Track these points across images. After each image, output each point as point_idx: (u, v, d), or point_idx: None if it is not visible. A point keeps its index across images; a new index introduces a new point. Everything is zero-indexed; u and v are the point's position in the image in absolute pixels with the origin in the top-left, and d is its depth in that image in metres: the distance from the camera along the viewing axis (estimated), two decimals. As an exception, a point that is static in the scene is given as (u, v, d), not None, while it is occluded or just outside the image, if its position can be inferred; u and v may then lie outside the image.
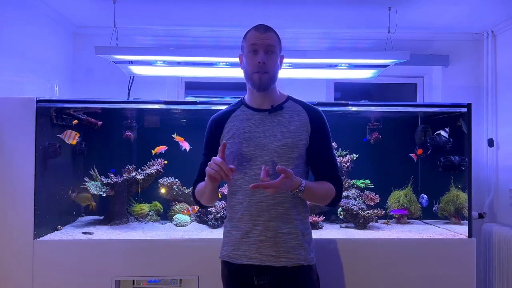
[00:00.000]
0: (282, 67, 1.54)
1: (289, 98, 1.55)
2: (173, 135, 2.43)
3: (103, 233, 2.15)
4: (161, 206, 2.49)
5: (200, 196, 1.52)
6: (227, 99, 3.22)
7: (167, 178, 2.46)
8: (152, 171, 2.41)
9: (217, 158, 1.32)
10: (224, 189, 2.01)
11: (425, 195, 2.50)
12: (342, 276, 2.02)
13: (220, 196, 2.27)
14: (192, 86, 3.28)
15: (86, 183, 2.31)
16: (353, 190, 2.50)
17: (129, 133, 2.52)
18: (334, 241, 2.05)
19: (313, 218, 2.27)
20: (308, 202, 1.53)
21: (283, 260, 1.40)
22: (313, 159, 1.49)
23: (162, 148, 2.47)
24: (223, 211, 2.29)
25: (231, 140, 1.47)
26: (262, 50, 1.42)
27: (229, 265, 1.46)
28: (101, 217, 2.42)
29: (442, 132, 2.39)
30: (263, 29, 1.45)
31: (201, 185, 1.51)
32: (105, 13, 2.68)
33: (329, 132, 1.52)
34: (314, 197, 1.44)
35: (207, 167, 1.33)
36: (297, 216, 1.45)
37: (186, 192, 2.45)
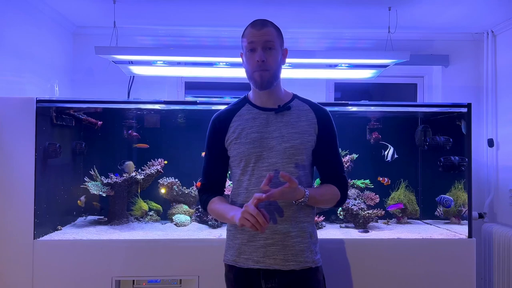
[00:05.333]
0: (282, 67, 1.49)
1: (295, 96, 1.51)
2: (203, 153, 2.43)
3: (103, 233, 2.15)
4: (158, 206, 2.49)
5: (215, 216, 1.49)
6: (227, 99, 3.22)
7: (167, 178, 2.46)
8: (152, 171, 2.41)
9: (251, 208, 1.24)
10: (227, 190, 2.01)
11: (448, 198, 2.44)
12: (342, 276, 2.02)
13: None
14: (192, 86, 3.28)
15: (86, 183, 2.31)
16: (353, 190, 2.50)
17: (136, 133, 2.52)
18: (334, 241, 2.05)
19: (313, 218, 2.27)
20: None
21: (292, 263, 1.38)
22: (320, 160, 1.47)
23: (143, 146, 2.50)
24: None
25: (238, 141, 1.43)
26: (260, 47, 1.38)
27: (235, 270, 1.43)
28: (101, 217, 2.42)
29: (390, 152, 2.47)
30: (260, 25, 1.39)
31: (218, 207, 1.44)
32: (105, 13, 2.68)
33: (336, 133, 1.49)
34: (318, 204, 1.43)
35: (240, 217, 1.26)
36: (305, 218, 1.43)
37: (186, 192, 2.45)
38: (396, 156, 2.49)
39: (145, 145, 2.51)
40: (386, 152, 2.49)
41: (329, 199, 1.45)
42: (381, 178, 2.50)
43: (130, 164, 2.43)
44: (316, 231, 1.49)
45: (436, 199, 2.43)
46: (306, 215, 1.43)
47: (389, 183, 2.51)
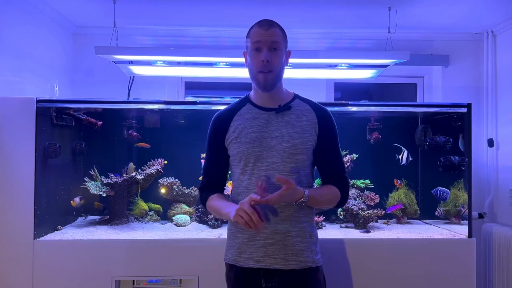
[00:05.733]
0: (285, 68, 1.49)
1: (296, 96, 1.51)
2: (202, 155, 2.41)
3: (103, 233, 2.15)
4: (158, 206, 2.49)
5: (213, 213, 1.50)
6: (227, 99, 3.22)
7: (167, 178, 2.46)
8: (152, 171, 2.41)
9: (246, 206, 1.24)
10: (227, 190, 2.01)
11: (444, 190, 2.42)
12: (342, 276, 2.02)
13: None
14: (192, 86, 3.28)
15: (86, 183, 2.31)
16: (353, 190, 2.50)
17: (136, 133, 2.53)
18: (334, 241, 2.05)
19: (313, 218, 2.27)
20: None
21: (292, 263, 1.39)
22: (320, 160, 1.47)
23: (144, 145, 2.51)
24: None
25: (238, 140, 1.43)
26: (266, 47, 1.38)
27: (236, 269, 1.44)
28: (104, 217, 2.42)
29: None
30: (267, 25, 1.40)
31: (215, 204, 1.44)
32: (105, 13, 2.68)
33: (337, 133, 1.49)
34: (318, 204, 1.43)
35: (235, 214, 1.25)
36: (305, 218, 1.43)
37: (186, 192, 2.45)
38: (411, 158, 2.46)
39: (146, 145, 2.51)
40: (400, 156, 2.47)
41: (330, 200, 1.45)
42: (395, 180, 2.50)
43: (130, 165, 2.43)
44: (316, 231, 1.49)
45: (432, 191, 2.44)
46: (305, 215, 1.43)
47: (402, 186, 2.50)
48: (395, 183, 2.50)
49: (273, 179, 1.33)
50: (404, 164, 2.47)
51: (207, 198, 1.50)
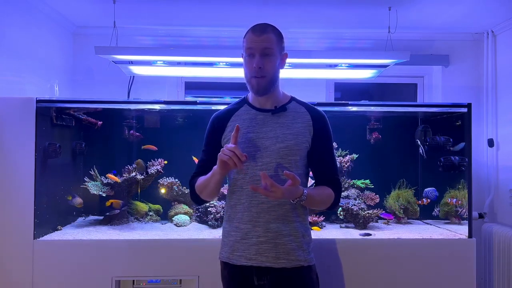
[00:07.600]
0: (282, 69, 1.50)
1: (292, 99, 1.54)
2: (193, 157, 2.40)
3: (103, 233, 2.15)
4: (158, 206, 2.49)
5: (202, 189, 1.48)
6: (227, 99, 3.21)
7: (167, 178, 2.46)
8: (152, 171, 2.41)
9: (229, 144, 1.31)
10: (224, 189, 2.01)
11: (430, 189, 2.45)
12: (342, 276, 2.02)
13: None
14: (192, 86, 3.28)
15: (86, 183, 2.31)
16: (353, 190, 2.50)
17: (138, 133, 2.53)
18: (334, 241, 2.05)
19: (313, 218, 2.28)
20: None
21: (283, 261, 1.40)
22: (314, 162, 1.49)
23: (151, 147, 2.50)
24: (223, 211, 2.28)
25: None
26: (258, 54, 1.40)
27: (229, 266, 1.46)
28: (101, 217, 2.43)
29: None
30: (259, 31, 1.41)
31: (202, 178, 1.47)
32: (105, 13, 2.68)
33: (331, 136, 1.52)
34: (314, 204, 1.44)
35: (219, 153, 1.31)
36: (297, 218, 1.45)
37: (186, 192, 2.45)
38: (426, 148, 2.44)
39: (153, 147, 2.50)
40: (420, 151, 2.46)
41: (325, 200, 1.46)
42: (419, 201, 2.48)
43: (138, 161, 2.45)
44: (309, 231, 1.51)
45: (423, 198, 2.46)
46: (298, 215, 1.45)
47: (428, 202, 2.47)
48: (420, 203, 2.48)
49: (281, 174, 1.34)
50: (424, 155, 2.46)
51: (195, 183, 1.52)
